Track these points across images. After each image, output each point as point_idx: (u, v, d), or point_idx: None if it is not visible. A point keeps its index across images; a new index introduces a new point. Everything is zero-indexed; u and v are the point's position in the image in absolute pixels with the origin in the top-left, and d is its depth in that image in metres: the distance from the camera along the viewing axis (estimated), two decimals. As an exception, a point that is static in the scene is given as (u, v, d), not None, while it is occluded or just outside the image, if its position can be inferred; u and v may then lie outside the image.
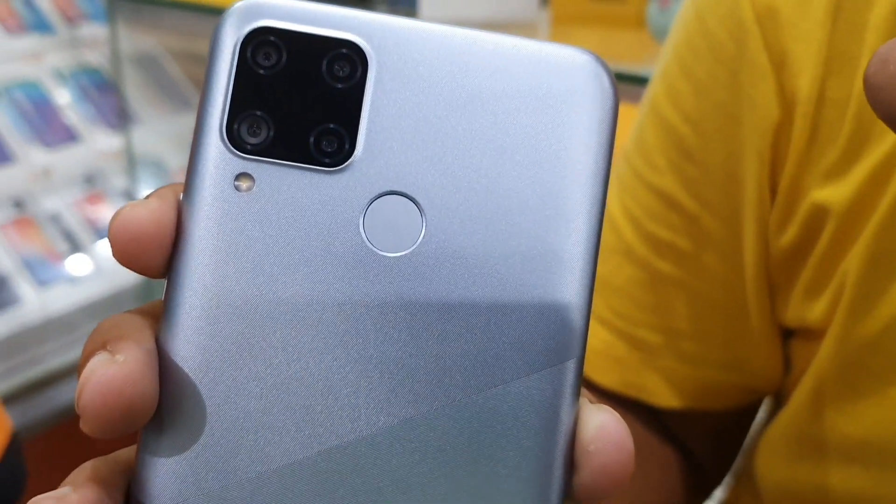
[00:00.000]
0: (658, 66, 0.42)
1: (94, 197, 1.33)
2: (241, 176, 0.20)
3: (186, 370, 0.19)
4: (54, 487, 0.19)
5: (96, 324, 0.21)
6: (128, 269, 0.20)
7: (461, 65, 0.20)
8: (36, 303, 1.18)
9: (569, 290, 0.20)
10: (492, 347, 0.20)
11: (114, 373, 0.18)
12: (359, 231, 0.20)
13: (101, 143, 1.34)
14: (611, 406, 0.20)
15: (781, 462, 0.40)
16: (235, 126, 0.20)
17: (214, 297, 0.19)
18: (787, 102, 0.36)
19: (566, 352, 0.20)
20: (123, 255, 0.20)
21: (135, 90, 1.37)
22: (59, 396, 1.14)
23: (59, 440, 0.96)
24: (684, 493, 0.46)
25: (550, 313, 0.19)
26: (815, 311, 0.37)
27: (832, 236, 0.35)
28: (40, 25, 1.33)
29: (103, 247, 1.27)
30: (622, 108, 0.21)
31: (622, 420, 0.20)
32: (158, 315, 0.20)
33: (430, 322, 0.20)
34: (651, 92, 0.42)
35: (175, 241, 0.20)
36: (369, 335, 0.19)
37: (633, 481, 0.19)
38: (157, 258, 0.20)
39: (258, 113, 0.20)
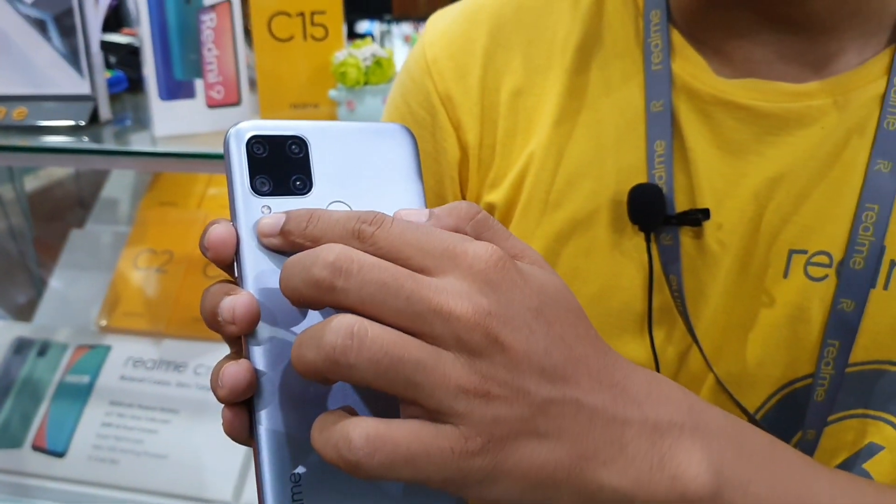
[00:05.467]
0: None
1: None
2: (264, 207, 0.36)
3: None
4: None
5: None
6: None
7: (349, 136, 0.38)
8: None
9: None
10: None
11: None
12: None
13: None
14: None
15: None
16: (254, 184, 0.36)
17: (261, 281, 0.35)
18: (463, 148, 0.60)
19: None
20: (213, 254, 0.35)
21: None
22: None
23: None
24: None
25: None
26: None
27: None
28: None
29: None
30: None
31: None
32: None
33: None
34: None
35: (237, 247, 0.35)
36: None
37: None
38: (229, 254, 0.35)
39: (262, 175, 0.36)
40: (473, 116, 0.59)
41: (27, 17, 1.16)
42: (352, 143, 0.38)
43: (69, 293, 1.50)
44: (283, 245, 0.35)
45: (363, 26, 2.58)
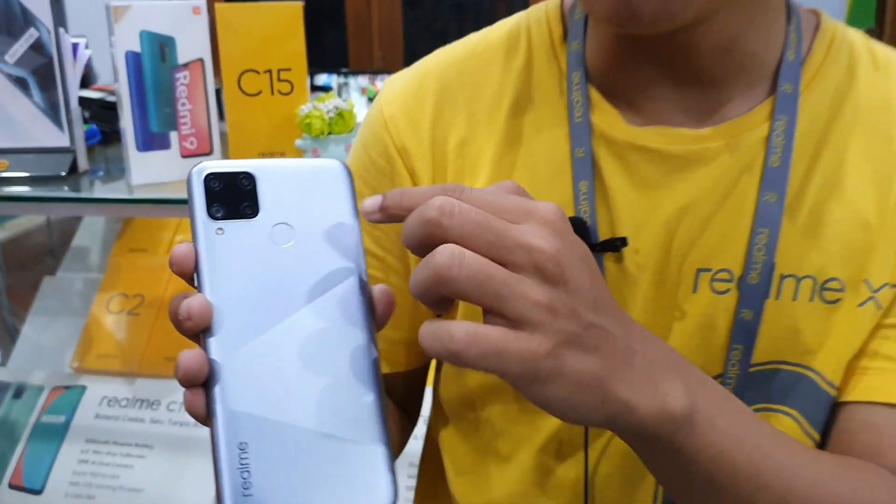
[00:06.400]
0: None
1: None
2: (217, 229, 0.42)
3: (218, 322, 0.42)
4: None
5: None
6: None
7: (291, 170, 0.45)
8: None
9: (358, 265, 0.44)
10: (328, 294, 0.43)
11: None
12: (270, 238, 0.43)
13: None
14: None
15: (451, 380, 0.70)
16: (210, 210, 0.43)
17: (216, 286, 0.42)
18: (439, 164, 0.67)
19: (359, 287, 0.44)
20: (177, 267, 0.42)
21: None
22: None
23: None
24: (402, 431, 0.75)
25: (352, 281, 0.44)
26: None
27: None
28: None
29: None
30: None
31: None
32: None
33: (306, 278, 0.43)
34: None
35: (196, 260, 0.42)
36: (284, 296, 0.43)
37: None
38: (190, 268, 0.42)
39: (217, 203, 0.43)
40: (426, 164, 0.67)
41: (9, 76, 1.23)
42: (293, 176, 0.45)
43: (43, 338, 1.55)
44: (384, 218, 0.44)
45: (322, 79, 2.68)
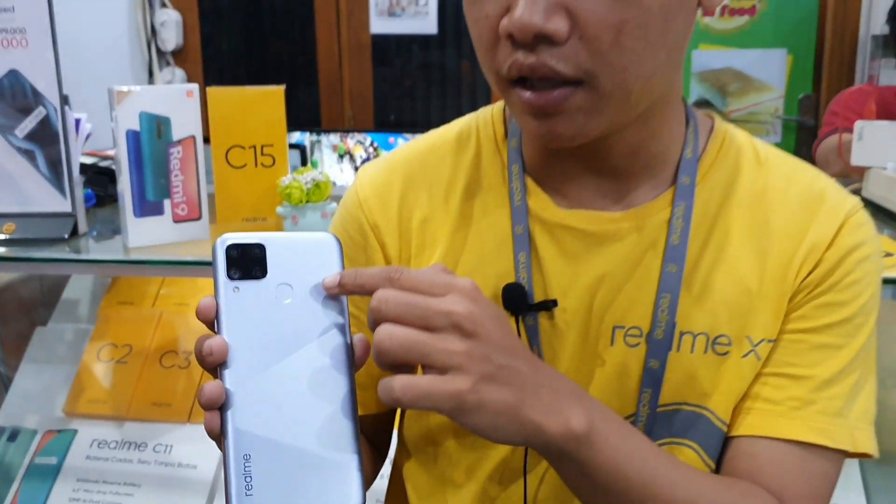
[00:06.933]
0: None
1: None
2: (235, 288, 0.54)
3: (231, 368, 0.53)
4: None
5: None
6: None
7: (294, 241, 0.56)
8: None
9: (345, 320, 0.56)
10: (318, 340, 0.55)
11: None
12: (274, 295, 0.54)
13: None
14: None
15: (413, 420, 0.81)
16: (229, 273, 0.54)
17: (231, 332, 0.53)
18: (388, 261, 0.78)
19: (342, 336, 0.55)
20: (202, 315, 0.54)
21: None
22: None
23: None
24: (373, 464, 0.84)
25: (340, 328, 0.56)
26: None
27: None
28: None
29: None
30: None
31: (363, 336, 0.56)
32: None
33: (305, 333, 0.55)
34: None
35: (216, 311, 0.54)
36: (284, 341, 0.54)
37: None
38: (212, 316, 0.54)
39: (234, 267, 0.54)
40: (394, 238, 0.78)
41: (18, 148, 1.37)
42: (295, 246, 0.56)
43: (35, 385, 1.66)
44: (342, 292, 0.55)
45: (295, 136, 2.80)
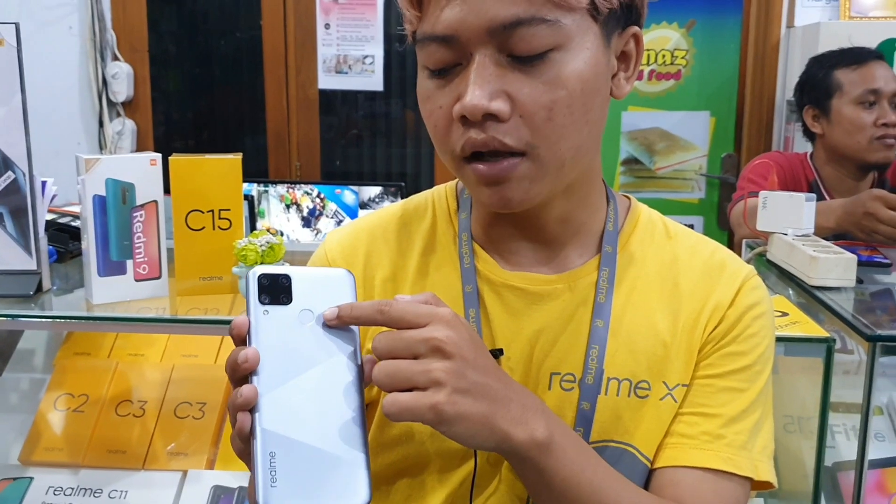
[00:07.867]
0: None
1: None
2: (265, 311, 0.64)
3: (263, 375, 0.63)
4: None
5: None
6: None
7: (315, 275, 0.67)
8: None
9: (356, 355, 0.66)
10: (334, 357, 0.65)
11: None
12: (297, 319, 0.64)
13: None
14: None
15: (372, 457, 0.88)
16: (260, 298, 0.64)
17: (261, 346, 0.63)
18: (369, 294, 0.89)
19: (354, 356, 0.66)
20: (234, 335, 0.65)
21: None
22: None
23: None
24: None
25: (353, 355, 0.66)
26: None
27: None
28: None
29: None
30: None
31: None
32: None
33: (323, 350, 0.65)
34: None
35: (248, 329, 0.64)
36: (305, 357, 0.64)
37: None
38: (244, 332, 0.64)
39: (264, 294, 0.64)
40: (358, 296, 0.88)
41: (-14, 210, 1.46)
42: (316, 278, 0.66)
43: (-9, 433, 1.71)
44: (340, 324, 0.65)
45: (243, 187, 2.89)
